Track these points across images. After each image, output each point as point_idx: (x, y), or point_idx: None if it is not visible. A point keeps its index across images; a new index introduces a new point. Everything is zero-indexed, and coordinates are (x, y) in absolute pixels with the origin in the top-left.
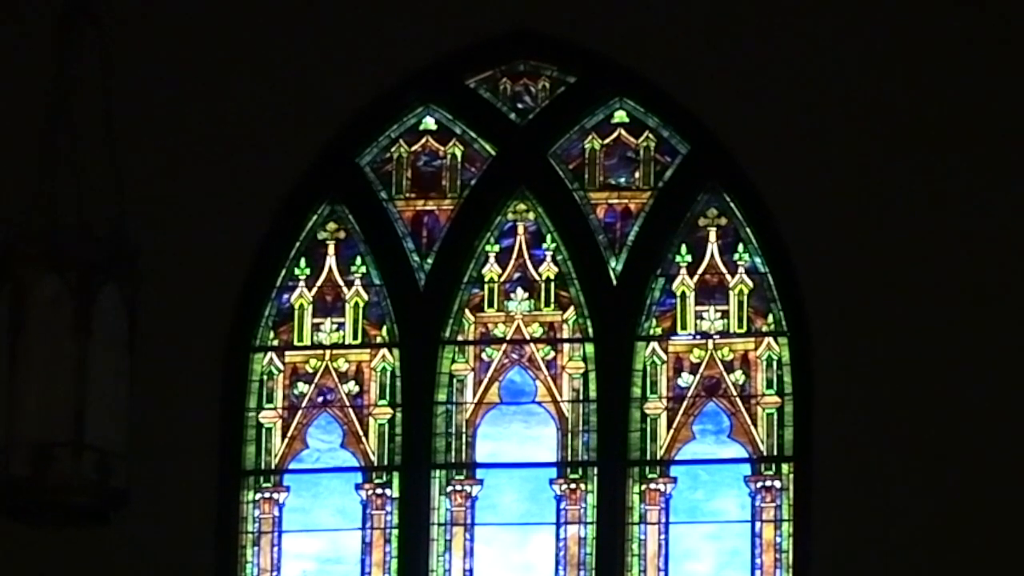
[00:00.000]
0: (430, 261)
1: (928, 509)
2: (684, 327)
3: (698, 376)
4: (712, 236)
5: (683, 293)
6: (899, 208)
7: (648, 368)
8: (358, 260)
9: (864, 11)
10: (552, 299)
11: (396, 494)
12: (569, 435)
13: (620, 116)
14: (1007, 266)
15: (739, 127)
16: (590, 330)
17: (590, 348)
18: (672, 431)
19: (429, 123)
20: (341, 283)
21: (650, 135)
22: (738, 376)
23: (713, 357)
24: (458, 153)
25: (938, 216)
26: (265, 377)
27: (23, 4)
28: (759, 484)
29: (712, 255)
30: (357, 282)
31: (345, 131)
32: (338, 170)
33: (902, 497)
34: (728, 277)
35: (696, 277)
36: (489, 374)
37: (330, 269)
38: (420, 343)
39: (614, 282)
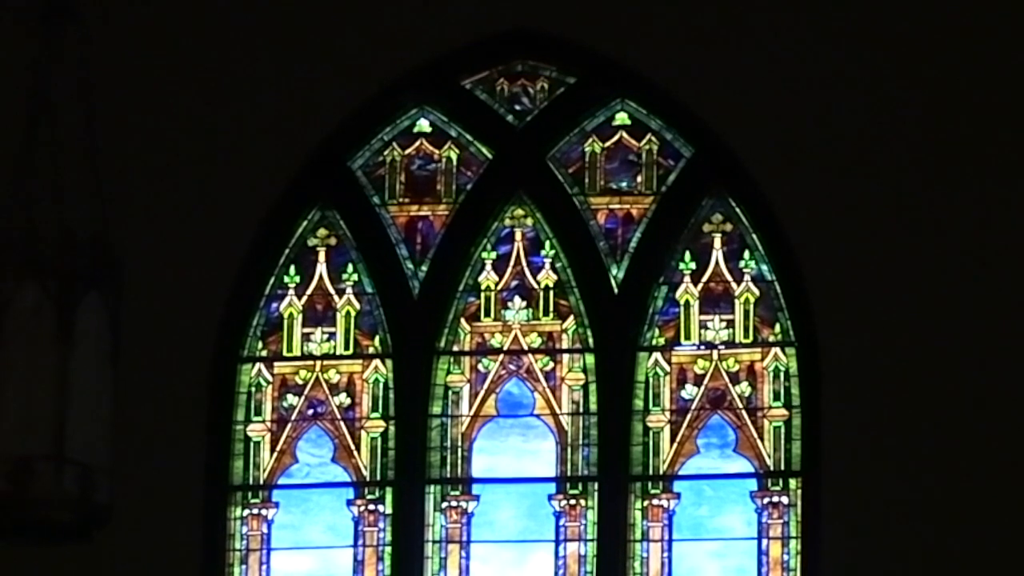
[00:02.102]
0: (424, 269)
1: (941, 526)
2: (688, 337)
3: (702, 388)
4: (717, 242)
5: (687, 302)
6: (910, 213)
7: (651, 380)
8: (349, 268)
9: (874, 11)
10: (551, 308)
11: (389, 510)
12: (569, 449)
13: (621, 118)
14: (1022, 272)
15: (745, 129)
16: (590, 340)
17: (590, 359)
18: (675, 445)
19: (423, 125)
20: (332, 291)
21: (652, 138)
22: (744, 388)
23: (718, 368)
24: (453, 156)
25: (951, 222)
26: (253, 389)
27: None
28: (766, 500)
29: (717, 262)
30: (348, 290)
31: (336, 133)
32: (329, 174)
33: (913, 513)
34: (733, 285)
35: (700, 285)
36: (486, 386)
37: (320, 277)
38: (414, 354)
39: (615, 290)
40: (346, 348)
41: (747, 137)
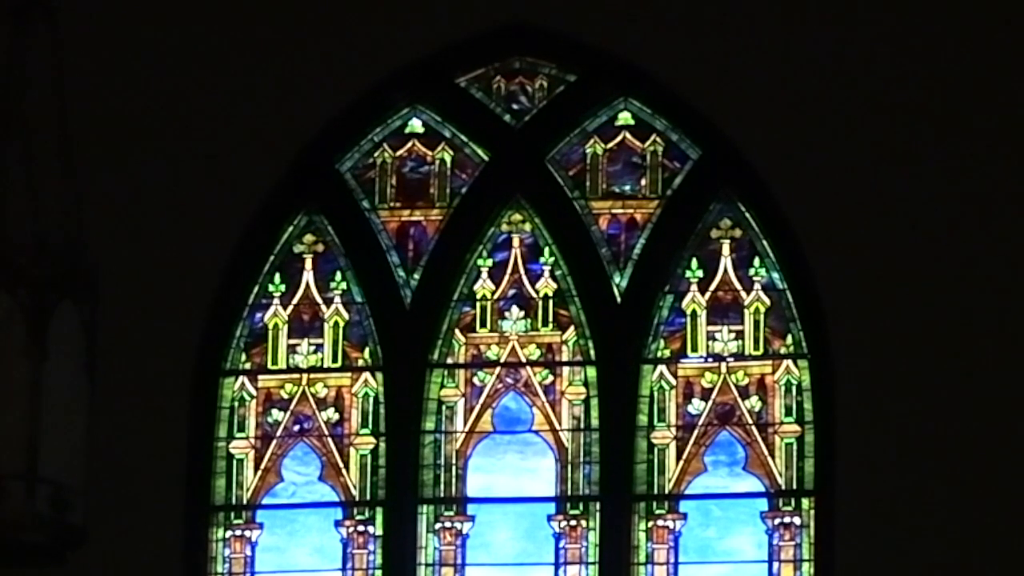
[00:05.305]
0: (417, 277)
1: (960, 547)
2: (695, 349)
3: (710, 402)
4: (725, 249)
5: (694, 312)
6: (927, 219)
7: (655, 394)
8: (338, 275)
9: (888, 10)
10: (550, 318)
11: (379, 532)
12: (569, 467)
13: (625, 118)
14: None
15: (754, 130)
16: (592, 352)
17: (592, 372)
18: (682, 463)
19: (416, 125)
20: (319, 301)
21: (657, 139)
22: (754, 402)
23: (727, 382)
24: (447, 158)
25: (970, 228)
26: (236, 403)
27: None
28: (777, 520)
29: (725, 270)
30: (337, 299)
31: (324, 134)
32: (316, 177)
33: (932, 534)
34: (743, 294)
35: (708, 294)
36: (481, 400)
37: (307, 285)
38: (406, 366)
39: (618, 300)
40: (334, 360)
41: (757, 138)
